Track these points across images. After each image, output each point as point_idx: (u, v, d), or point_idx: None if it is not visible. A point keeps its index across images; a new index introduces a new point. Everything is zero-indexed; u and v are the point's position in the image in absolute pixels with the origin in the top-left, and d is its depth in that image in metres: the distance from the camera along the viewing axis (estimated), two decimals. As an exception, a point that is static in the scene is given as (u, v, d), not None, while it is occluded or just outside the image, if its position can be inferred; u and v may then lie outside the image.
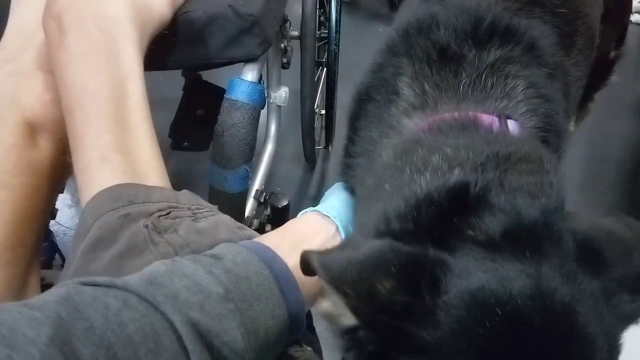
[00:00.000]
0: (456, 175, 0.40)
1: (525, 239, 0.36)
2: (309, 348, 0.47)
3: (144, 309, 0.34)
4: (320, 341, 0.56)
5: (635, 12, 2.08)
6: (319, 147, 1.46)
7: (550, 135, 0.51)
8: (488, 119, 0.46)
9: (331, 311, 0.40)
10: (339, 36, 1.12)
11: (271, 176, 1.39)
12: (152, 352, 0.32)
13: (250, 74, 0.80)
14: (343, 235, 0.53)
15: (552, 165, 0.44)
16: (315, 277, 0.46)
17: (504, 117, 0.47)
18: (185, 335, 0.34)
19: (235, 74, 0.81)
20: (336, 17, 1.07)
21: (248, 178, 0.83)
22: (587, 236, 0.38)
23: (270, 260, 0.42)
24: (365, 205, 0.49)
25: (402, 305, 0.34)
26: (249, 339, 0.37)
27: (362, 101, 0.58)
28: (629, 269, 0.37)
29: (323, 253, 0.37)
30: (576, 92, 0.67)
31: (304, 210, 0.55)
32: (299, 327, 0.42)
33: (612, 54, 0.97)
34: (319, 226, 0.52)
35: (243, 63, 0.82)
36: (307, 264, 0.36)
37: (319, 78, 1.30)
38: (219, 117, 0.78)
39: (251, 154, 0.80)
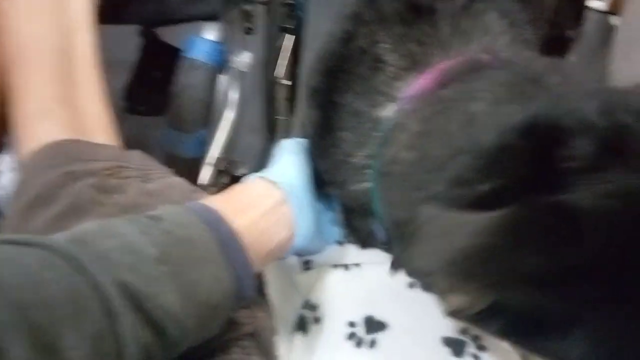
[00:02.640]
0: (512, 113, 0.37)
1: (618, 147, 0.34)
2: (260, 315, 0.46)
3: (68, 269, 0.32)
4: (274, 310, 0.56)
5: (596, -1, 2.12)
6: (282, 117, 1.43)
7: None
8: (485, 57, 0.45)
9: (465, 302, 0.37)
10: (307, 3, 1.08)
11: (232, 145, 1.36)
12: (72, 315, 0.30)
13: (211, 33, 0.77)
14: (293, 203, 0.50)
15: (574, 68, 0.44)
16: (265, 240, 0.45)
17: (493, 51, 0.47)
18: (113, 296, 0.32)
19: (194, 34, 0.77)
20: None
21: (205, 143, 0.80)
22: None
23: (215, 222, 0.40)
24: (403, 184, 0.44)
25: (550, 272, 0.31)
26: (186, 302, 0.35)
27: (334, 73, 0.55)
28: None
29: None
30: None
31: (251, 175, 0.52)
32: (246, 291, 0.40)
33: (569, 33, 0.98)
34: (266, 191, 0.49)
35: (203, 21, 0.78)
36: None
37: (286, 47, 1.26)
38: (175, 77, 0.75)
39: (208, 118, 0.77)
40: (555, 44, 0.99)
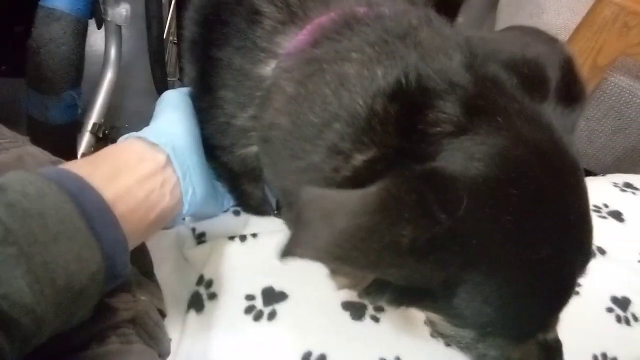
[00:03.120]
0: (384, 77, 0.37)
1: (484, 105, 0.35)
2: (143, 298, 0.41)
3: None
4: (166, 290, 0.50)
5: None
6: (173, 78, 1.32)
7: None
8: (362, 9, 0.43)
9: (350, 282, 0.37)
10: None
11: (119, 110, 1.23)
12: None
13: (73, -22, 0.66)
14: (177, 166, 0.44)
15: (445, 23, 0.42)
16: (143, 209, 0.40)
17: (373, 3, 0.44)
18: None
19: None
20: None
21: (76, 107, 0.70)
22: (521, 63, 0.39)
23: (79, 191, 0.33)
24: (281, 151, 0.42)
25: (427, 241, 0.31)
26: (40, 288, 0.29)
27: (210, 23, 0.49)
28: (559, 79, 0.40)
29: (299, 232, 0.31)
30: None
31: (125, 136, 0.45)
32: (119, 270, 0.35)
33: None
34: (144, 153, 0.43)
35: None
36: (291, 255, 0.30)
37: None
38: (32, 30, 0.64)
39: (78, 78, 0.67)
40: (444, 4, 1.00)
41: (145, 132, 0.46)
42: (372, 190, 0.31)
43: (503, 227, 0.33)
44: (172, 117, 0.48)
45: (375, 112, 0.36)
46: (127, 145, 0.44)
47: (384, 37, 0.39)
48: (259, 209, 0.60)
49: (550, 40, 0.43)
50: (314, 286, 0.52)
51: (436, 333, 0.46)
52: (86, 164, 0.39)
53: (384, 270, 0.33)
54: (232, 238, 0.57)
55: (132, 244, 0.38)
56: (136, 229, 0.38)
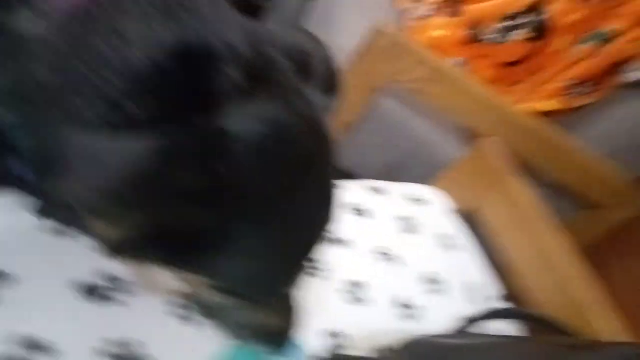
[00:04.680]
0: (166, 35, 0.36)
1: (263, 76, 0.39)
2: None
3: None
4: None
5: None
6: None
7: None
8: None
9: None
10: None
11: None
12: None
13: None
14: None
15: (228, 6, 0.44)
16: None
17: None
18: None
19: None
20: None
21: None
22: (294, 51, 0.43)
23: None
24: (49, 111, 0.38)
25: (204, 188, 0.33)
26: None
27: None
28: (321, 72, 0.45)
29: None
30: None
31: None
32: None
33: (260, 1, 1.05)
34: None
35: None
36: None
37: None
38: None
39: None
40: (246, 7, 1.04)
41: None
42: (155, 138, 0.32)
43: (273, 182, 0.37)
44: None
45: (158, 68, 0.36)
46: None
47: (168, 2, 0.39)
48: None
49: (316, 41, 0.48)
50: (46, 267, 0.49)
51: (196, 305, 0.47)
52: None
53: (158, 211, 0.34)
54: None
55: None
56: None
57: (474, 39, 1.18)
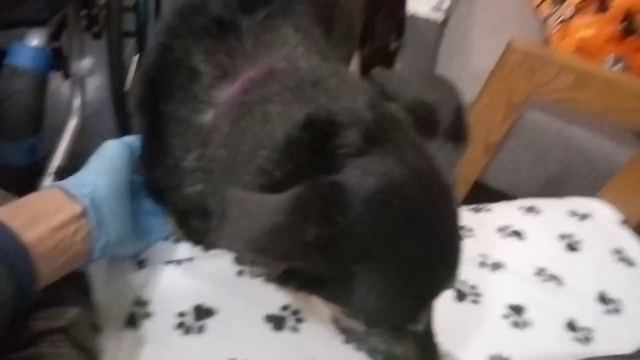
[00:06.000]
0: (299, 112, 0.45)
1: (380, 135, 0.44)
2: (74, 311, 0.47)
3: None
4: (105, 310, 0.57)
5: (435, 10, 2.38)
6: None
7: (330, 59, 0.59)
8: (283, 65, 0.52)
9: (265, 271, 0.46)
10: (154, 6, 1.09)
11: (82, 154, 1.31)
12: None
13: (35, 38, 0.75)
14: (92, 216, 0.49)
15: (352, 74, 0.53)
16: (56, 254, 0.46)
17: (292, 60, 0.54)
18: None
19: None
20: (143, -12, 1.04)
21: (37, 151, 0.78)
22: (419, 106, 0.48)
23: None
24: (222, 179, 0.50)
25: (327, 238, 0.39)
26: None
27: (156, 82, 0.58)
28: (450, 122, 0.49)
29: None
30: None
31: (48, 184, 0.52)
32: (28, 296, 0.42)
33: (393, 45, 1.11)
34: (62, 204, 0.48)
35: (28, 27, 0.76)
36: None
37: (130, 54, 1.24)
38: (-2, 84, 0.72)
39: (38, 125, 0.75)
40: (382, 55, 1.12)
41: (69, 181, 0.51)
42: (286, 195, 0.40)
43: (384, 229, 0.42)
44: (99, 166, 0.54)
45: (292, 139, 0.45)
46: (48, 195, 0.49)
47: (300, 84, 0.49)
48: (204, 239, 0.67)
49: (449, 89, 0.53)
50: (240, 302, 0.60)
51: (339, 330, 0.53)
52: (9, 210, 0.45)
53: (293, 261, 0.41)
54: (168, 263, 0.64)
55: (45, 281, 0.44)
56: (50, 268, 0.44)
57: (627, 32, 1.07)
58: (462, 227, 0.49)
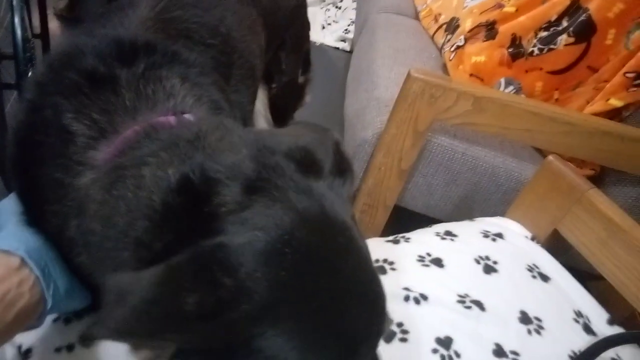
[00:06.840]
0: (173, 175, 0.42)
1: (262, 185, 0.41)
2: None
3: None
4: None
5: (340, 40, 2.45)
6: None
7: (223, 112, 0.57)
8: (165, 119, 0.48)
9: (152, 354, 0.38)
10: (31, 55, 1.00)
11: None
12: None
13: None
14: (33, 265, 0.46)
15: (236, 127, 0.50)
16: (5, 305, 0.42)
17: (178, 113, 0.50)
18: None
19: None
20: (22, 34, 0.95)
21: None
22: (296, 151, 0.46)
23: None
24: (100, 254, 0.45)
25: (213, 304, 0.35)
26: None
27: (27, 144, 0.52)
28: (331, 159, 0.47)
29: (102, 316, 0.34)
30: (243, 110, 0.73)
31: None
32: None
33: (301, 79, 1.11)
34: None
35: None
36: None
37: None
38: None
39: None
40: (292, 89, 1.11)
41: None
42: (159, 266, 0.35)
43: (282, 281, 0.38)
44: (16, 222, 0.51)
45: (168, 205, 0.41)
46: None
47: (176, 142, 0.45)
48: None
49: (321, 130, 0.52)
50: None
51: None
52: None
53: (173, 337, 0.36)
54: (58, 350, 0.56)
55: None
56: None
57: (517, 56, 1.14)
58: (376, 260, 0.46)
